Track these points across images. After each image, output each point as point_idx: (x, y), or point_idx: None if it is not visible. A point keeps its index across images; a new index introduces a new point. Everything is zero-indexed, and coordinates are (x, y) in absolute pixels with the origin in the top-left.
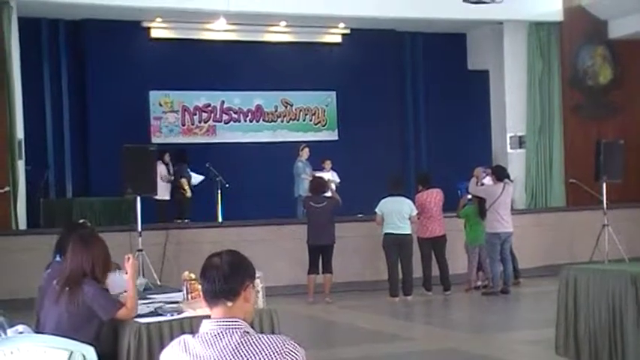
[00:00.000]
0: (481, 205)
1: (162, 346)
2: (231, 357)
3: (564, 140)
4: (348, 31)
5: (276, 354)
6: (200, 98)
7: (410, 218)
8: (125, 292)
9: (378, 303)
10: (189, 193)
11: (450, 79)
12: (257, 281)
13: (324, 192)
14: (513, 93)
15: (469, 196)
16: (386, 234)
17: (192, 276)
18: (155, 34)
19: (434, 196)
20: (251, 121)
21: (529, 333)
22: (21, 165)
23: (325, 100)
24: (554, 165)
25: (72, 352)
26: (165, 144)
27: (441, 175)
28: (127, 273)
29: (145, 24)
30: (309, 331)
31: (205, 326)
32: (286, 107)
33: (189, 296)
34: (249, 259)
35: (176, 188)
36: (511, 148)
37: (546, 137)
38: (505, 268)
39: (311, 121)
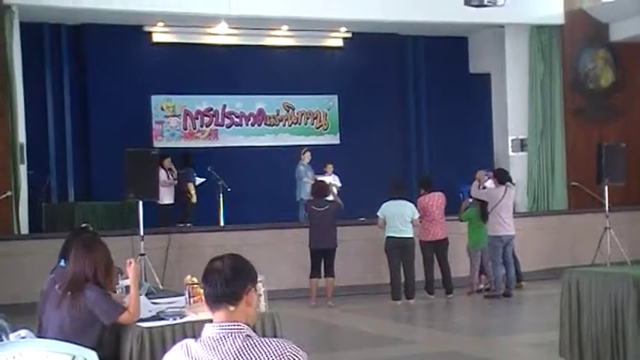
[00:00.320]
0: (483, 208)
1: (164, 351)
2: None
3: (566, 143)
4: (349, 35)
5: (278, 358)
6: (202, 102)
7: (412, 222)
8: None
9: (381, 306)
10: (194, 199)
11: (451, 82)
12: (259, 285)
13: (326, 196)
14: (515, 96)
15: (470, 200)
16: (388, 237)
17: (195, 280)
18: (157, 38)
19: (436, 200)
20: (253, 125)
21: (532, 336)
22: (23, 169)
23: (327, 104)
24: (556, 168)
25: (74, 357)
26: (167, 148)
27: (442, 178)
28: (127, 277)
29: (147, 28)
30: (312, 334)
31: (207, 330)
32: (288, 111)
33: (192, 300)
34: (250, 263)
35: (182, 193)
36: (513, 151)
37: (548, 140)
38: (507, 271)
39: (313, 124)
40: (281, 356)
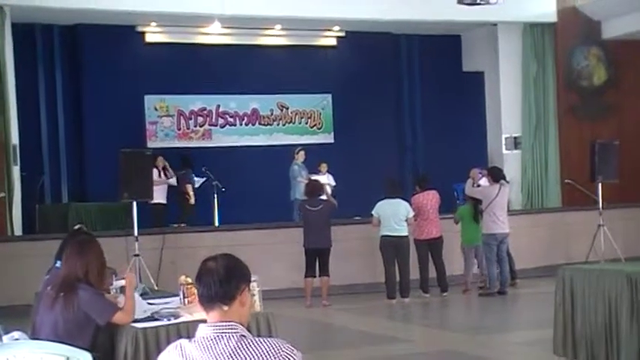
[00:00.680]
0: (475, 206)
1: (159, 351)
2: None
3: (559, 141)
4: (343, 34)
5: (272, 357)
6: (196, 102)
7: (407, 220)
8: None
9: (376, 305)
10: (192, 200)
11: (445, 80)
12: (254, 285)
13: (320, 195)
14: (508, 94)
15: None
16: (383, 236)
17: (189, 280)
18: (150, 38)
19: (430, 198)
20: (247, 125)
21: (526, 334)
22: (16, 171)
23: (321, 103)
24: (549, 166)
25: (68, 358)
26: (161, 148)
27: (436, 176)
28: (121, 278)
29: (140, 28)
30: (307, 334)
31: (202, 330)
32: (282, 110)
33: (186, 300)
34: (244, 263)
35: (181, 194)
36: (506, 149)
37: (541, 138)
38: (502, 269)
39: (307, 124)
40: (276, 356)
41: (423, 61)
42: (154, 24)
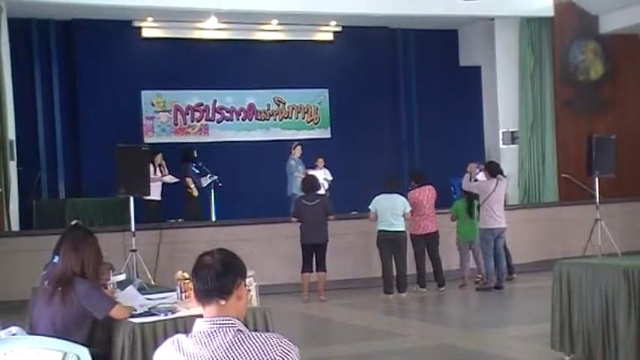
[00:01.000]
0: (469, 201)
1: (156, 346)
2: (225, 356)
3: (556, 135)
4: (339, 29)
5: (269, 352)
6: (192, 97)
7: (404, 215)
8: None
9: (373, 300)
10: (195, 192)
11: (442, 75)
12: (251, 280)
13: (316, 190)
14: (505, 89)
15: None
16: (380, 231)
17: (186, 275)
18: (146, 33)
19: (426, 193)
20: (244, 120)
21: (523, 328)
22: (13, 166)
23: (318, 98)
24: (546, 160)
25: (66, 353)
26: (158, 144)
27: (433, 171)
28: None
29: (136, 23)
30: (304, 329)
31: (199, 325)
32: (279, 105)
33: (183, 296)
34: (239, 257)
35: (183, 188)
36: (503, 143)
37: (538, 132)
38: (499, 263)
39: (304, 119)
40: (272, 350)
41: (419, 55)
42: (150, 19)
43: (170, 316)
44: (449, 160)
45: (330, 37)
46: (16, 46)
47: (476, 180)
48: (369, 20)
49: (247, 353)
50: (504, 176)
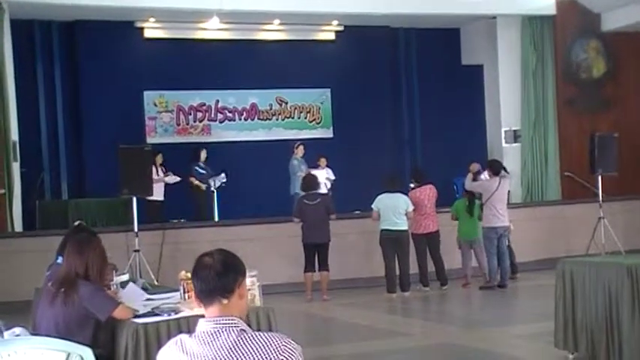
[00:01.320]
0: (470, 200)
1: (159, 346)
2: (228, 355)
3: (559, 134)
4: (341, 28)
5: (272, 351)
6: (194, 98)
7: (406, 214)
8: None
9: (376, 299)
10: (203, 187)
11: (444, 74)
12: (254, 279)
13: (315, 189)
14: (507, 87)
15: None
16: (383, 230)
17: (189, 275)
18: (148, 34)
19: (427, 193)
20: (246, 120)
21: (527, 327)
22: (16, 167)
23: (320, 98)
24: (549, 158)
25: (69, 354)
26: (160, 144)
27: (436, 170)
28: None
29: (139, 24)
30: (307, 328)
31: (202, 325)
32: (281, 105)
33: (187, 296)
34: (239, 257)
35: (190, 188)
36: (506, 142)
37: (541, 131)
38: (502, 262)
39: (306, 118)
40: (275, 350)
41: (421, 54)
42: (152, 19)
43: (173, 316)
44: (451, 159)
45: (331, 36)
46: (19, 47)
47: (477, 180)
48: (371, 19)
49: (251, 353)
50: (507, 172)
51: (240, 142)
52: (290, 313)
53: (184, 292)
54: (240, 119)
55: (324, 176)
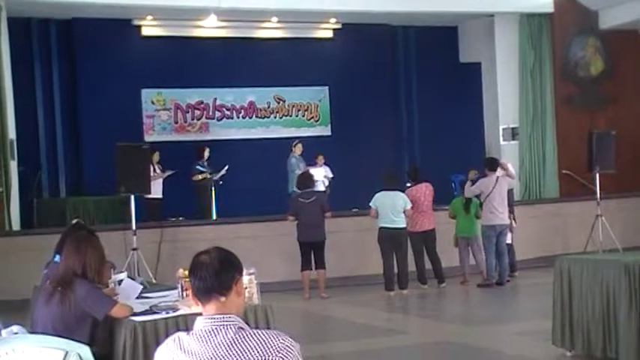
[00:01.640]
0: (467, 198)
1: (157, 344)
2: (226, 353)
3: (557, 131)
4: (339, 26)
5: (270, 349)
6: (192, 95)
7: (404, 212)
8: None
9: (374, 297)
10: (208, 175)
11: (442, 72)
12: (252, 277)
13: (310, 186)
14: (505, 85)
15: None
16: (381, 228)
17: (187, 273)
18: (146, 32)
19: (423, 191)
20: (244, 118)
21: (524, 324)
22: (13, 165)
23: (318, 96)
24: (547, 156)
25: (67, 352)
26: (158, 142)
27: (434, 167)
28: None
29: (136, 22)
30: (305, 326)
31: (200, 323)
32: (279, 103)
33: (185, 294)
34: (235, 254)
35: (195, 183)
36: (504, 140)
37: (539, 129)
38: (501, 260)
39: (304, 116)
40: (273, 347)
41: (419, 52)
42: (150, 17)
43: (171, 314)
44: (449, 157)
45: (330, 34)
46: (16, 45)
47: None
48: (369, 17)
49: (249, 350)
50: (512, 170)
51: (238, 140)
52: (288, 310)
53: (182, 291)
54: (238, 117)
55: (322, 174)
